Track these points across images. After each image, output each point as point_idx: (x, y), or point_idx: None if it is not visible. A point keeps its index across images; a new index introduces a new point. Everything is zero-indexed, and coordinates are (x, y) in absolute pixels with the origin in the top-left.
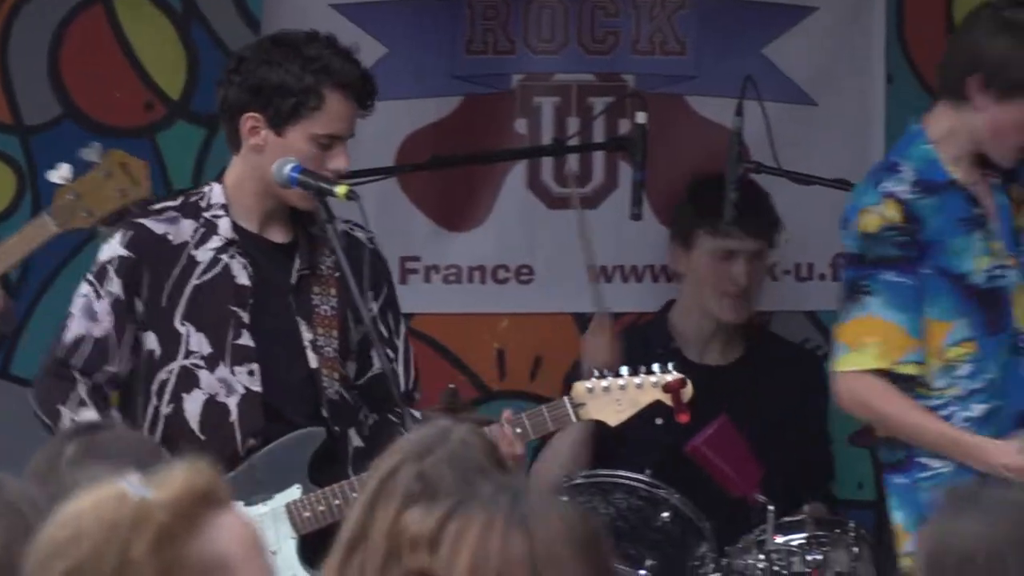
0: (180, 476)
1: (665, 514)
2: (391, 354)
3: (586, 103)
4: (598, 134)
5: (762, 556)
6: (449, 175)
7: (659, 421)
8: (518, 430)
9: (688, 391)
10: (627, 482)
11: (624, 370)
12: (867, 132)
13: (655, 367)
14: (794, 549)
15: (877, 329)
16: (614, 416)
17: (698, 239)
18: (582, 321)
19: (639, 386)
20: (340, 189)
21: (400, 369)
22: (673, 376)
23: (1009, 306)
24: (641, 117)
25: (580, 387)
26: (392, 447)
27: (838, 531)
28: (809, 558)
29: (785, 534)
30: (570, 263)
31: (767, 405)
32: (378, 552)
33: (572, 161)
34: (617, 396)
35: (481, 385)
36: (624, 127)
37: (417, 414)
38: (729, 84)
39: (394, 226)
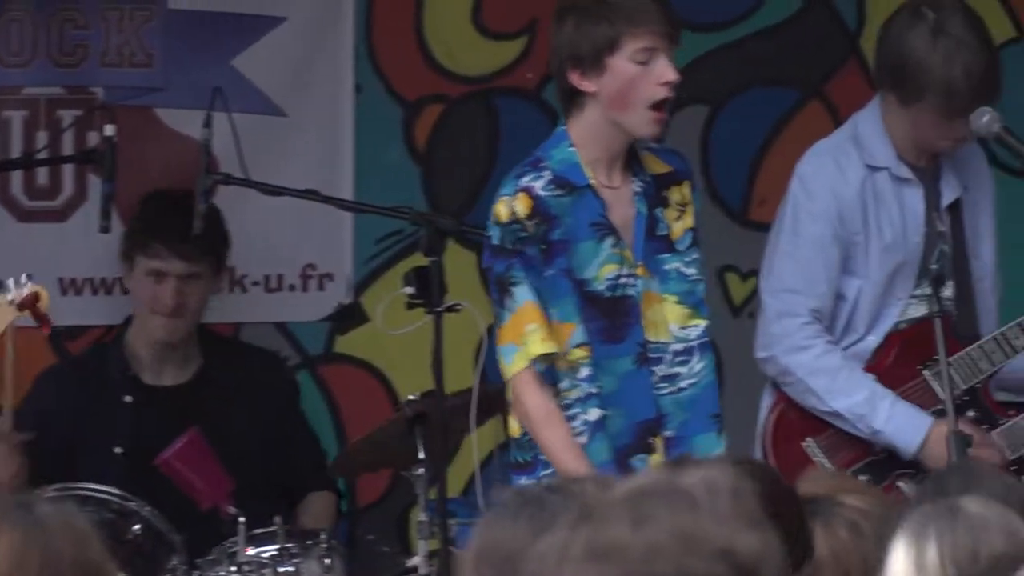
0: None
1: (136, 527)
2: None
3: (55, 116)
4: (68, 147)
5: (233, 568)
6: None
7: (118, 450)
8: None
9: (44, 303)
10: (97, 495)
11: None
12: (337, 142)
13: (9, 282)
14: (265, 561)
15: (534, 315)
16: None
17: (135, 259)
18: None
19: None
20: None
21: None
22: (26, 292)
23: (635, 316)
24: (109, 130)
25: None
26: None
27: (310, 543)
28: (281, 570)
29: (256, 546)
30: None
31: (236, 416)
32: None
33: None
34: None
35: None
36: (93, 140)
37: None
38: (198, 96)
39: None
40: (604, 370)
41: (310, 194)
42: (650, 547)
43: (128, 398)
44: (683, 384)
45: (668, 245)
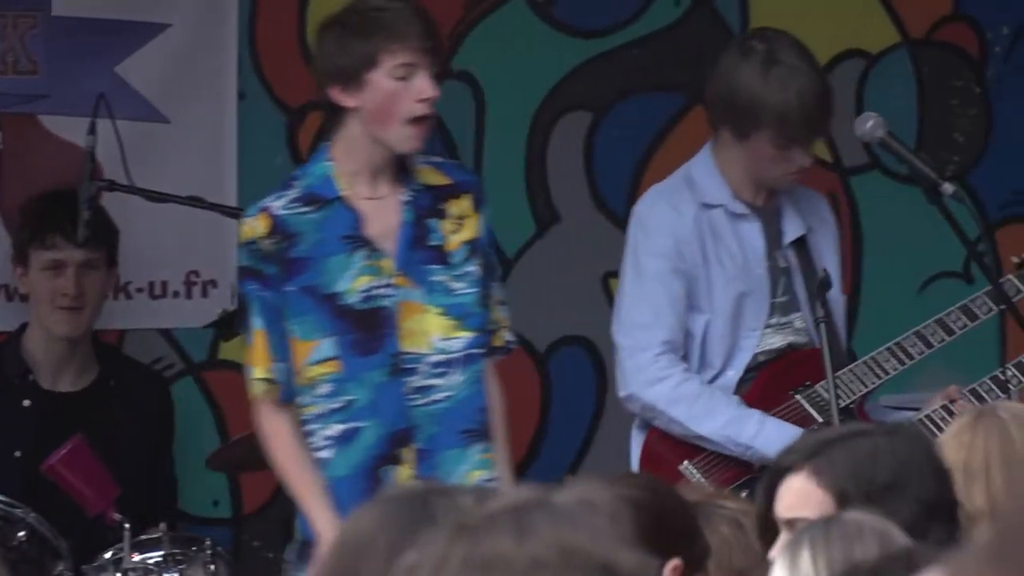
0: None
1: (21, 533)
2: None
3: None
4: None
5: (119, 574)
6: None
7: (18, 454)
8: None
9: None
10: None
11: None
12: (220, 148)
13: None
14: (151, 567)
15: (260, 341)
16: None
17: (31, 256)
18: None
19: None
20: None
21: None
22: None
23: (390, 327)
24: None
25: None
26: None
27: (195, 549)
28: None
29: (142, 552)
30: None
31: (122, 426)
32: None
33: None
34: None
35: None
36: None
37: None
38: (83, 103)
39: None
40: (358, 382)
41: (194, 201)
42: (533, 560)
43: (27, 402)
44: (438, 396)
45: (440, 257)
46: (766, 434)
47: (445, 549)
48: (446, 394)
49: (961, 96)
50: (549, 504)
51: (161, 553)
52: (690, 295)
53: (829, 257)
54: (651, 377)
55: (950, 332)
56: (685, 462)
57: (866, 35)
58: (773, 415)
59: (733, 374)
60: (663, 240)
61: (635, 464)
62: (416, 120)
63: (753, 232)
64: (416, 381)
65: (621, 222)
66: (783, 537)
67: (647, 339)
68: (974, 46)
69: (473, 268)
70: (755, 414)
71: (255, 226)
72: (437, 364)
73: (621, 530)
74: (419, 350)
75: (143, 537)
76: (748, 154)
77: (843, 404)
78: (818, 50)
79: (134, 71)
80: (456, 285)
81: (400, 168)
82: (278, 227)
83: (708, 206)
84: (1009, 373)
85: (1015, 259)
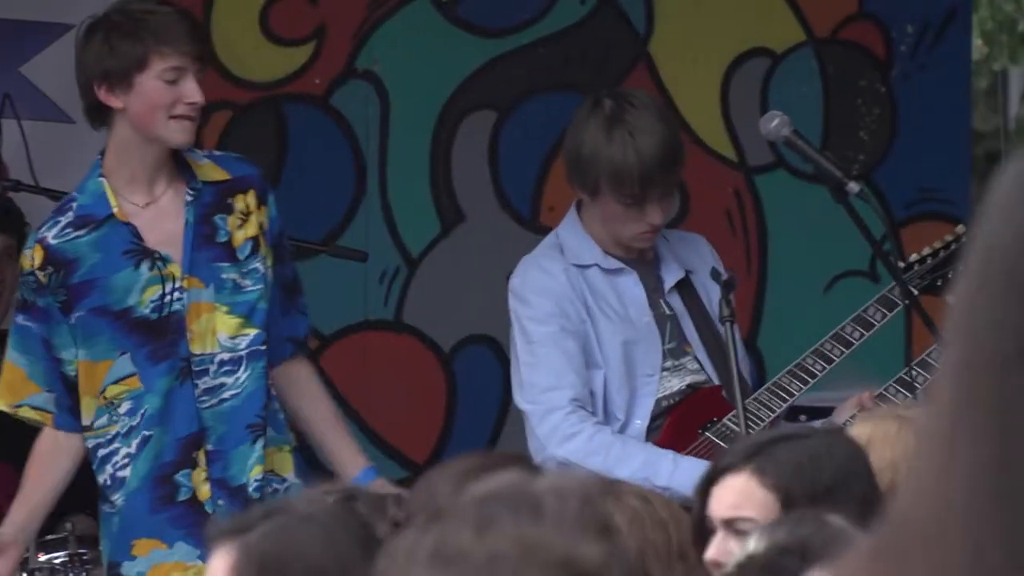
0: None
1: None
2: None
3: None
4: None
5: (24, 574)
6: None
7: None
8: None
9: None
10: None
11: None
12: None
13: None
14: (56, 567)
15: (7, 369)
16: None
17: None
18: None
19: None
20: None
21: None
22: None
23: (180, 331)
24: None
25: None
26: None
27: (101, 549)
28: None
29: (47, 552)
30: None
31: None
32: None
33: None
34: None
35: None
36: None
37: None
38: None
39: None
40: (153, 392)
41: None
42: (491, 555)
43: None
44: (225, 395)
45: (229, 254)
46: (681, 473)
47: (414, 541)
48: (233, 392)
49: (866, 95)
50: (520, 494)
51: (66, 553)
52: (584, 352)
53: (715, 294)
54: (564, 434)
55: (848, 344)
56: None
57: (771, 34)
58: (686, 454)
59: (640, 423)
60: (543, 304)
61: None
62: (181, 116)
63: (631, 284)
64: (205, 383)
65: (525, 221)
66: (719, 537)
67: (554, 400)
68: (879, 45)
69: (258, 265)
70: (668, 454)
71: (31, 257)
72: (224, 363)
73: (594, 516)
74: (208, 350)
75: (49, 537)
76: (600, 213)
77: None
78: (723, 49)
79: (39, 71)
80: (244, 283)
81: (179, 166)
82: (51, 257)
83: (581, 267)
84: (915, 373)
85: (913, 257)
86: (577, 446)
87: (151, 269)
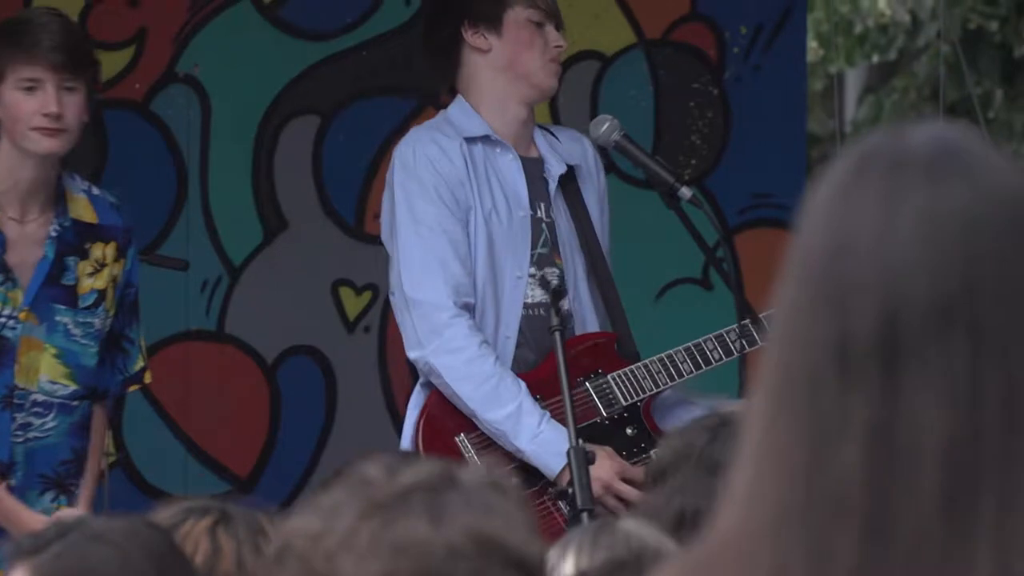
0: None
1: None
2: None
3: None
4: None
5: None
6: None
7: None
8: None
9: None
10: None
11: None
12: None
13: None
14: None
15: None
16: None
17: None
18: None
19: None
20: None
21: None
22: None
23: (10, 358)
24: None
25: None
26: None
27: None
28: None
29: None
30: None
31: None
32: None
33: None
34: None
35: None
36: None
37: None
38: None
39: None
40: None
41: None
42: (449, 548)
43: None
44: (31, 436)
45: (71, 298)
46: (538, 444)
47: (354, 523)
48: (36, 435)
49: (699, 98)
50: (461, 485)
51: None
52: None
53: (593, 206)
54: (446, 346)
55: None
56: (461, 434)
57: (601, 36)
58: (558, 403)
59: (508, 339)
60: (437, 183)
61: (410, 424)
62: (39, 127)
63: (514, 170)
64: (21, 417)
65: (350, 229)
66: None
67: (439, 297)
68: (712, 46)
69: (95, 320)
70: (535, 414)
71: None
72: (37, 403)
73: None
74: (28, 387)
75: None
76: (507, 53)
77: (631, 401)
78: None
79: None
80: (76, 332)
81: (57, 195)
82: None
83: (470, 140)
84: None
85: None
86: (455, 364)
87: (2, 284)
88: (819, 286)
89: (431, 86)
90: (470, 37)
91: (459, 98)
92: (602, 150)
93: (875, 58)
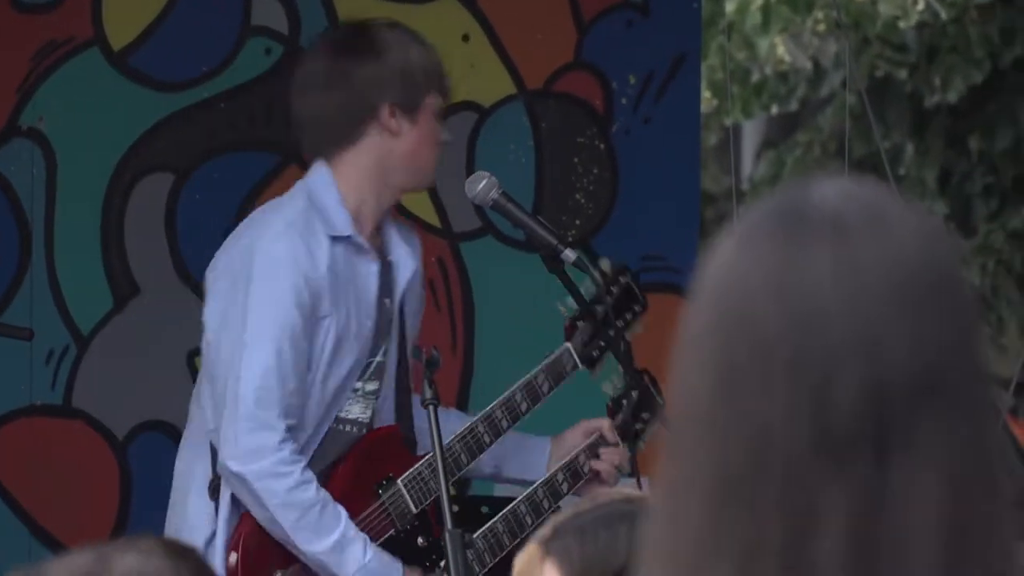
0: None
1: None
2: None
3: None
4: None
5: None
6: None
7: None
8: None
9: None
10: None
11: None
12: None
13: None
14: None
15: None
16: None
17: None
18: None
19: None
20: None
21: None
22: None
23: None
24: None
25: None
26: None
27: None
28: None
29: None
30: None
31: None
32: None
33: None
34: None
35: None
36: None
37: None
38: None
39: None
40: None
41: None
42: None
43: None
44: None
45: None
46: (367, 571)
47: None
48: None
49: (584, 152)
50: None
51: None
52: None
53: (414, 299)
54: (270, 469)
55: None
56: (278, 572)
57: (477, 86)
58: (362, 522)
59: (308, 447)
60: (296, 284)
61: (220, 535)
62: None
63: (370, 272)
64: None
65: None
66: None
67: (271, 417)
68: (599, 97)
69: None
70: (359, 541)
71: None
72: None
73: None
74: None
75: None
76: (412, 142)
77: (421, 508)
78: None
79: None
80: None
81: None
82: None
83: (336, 239)
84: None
85: (563, 311)
86: (277, 490)
87: None
88: (779, 363)
89: (293, 141)
90: (386, 118)
91: (324, 171)
92: (479, 209)
93: (774, 109)
